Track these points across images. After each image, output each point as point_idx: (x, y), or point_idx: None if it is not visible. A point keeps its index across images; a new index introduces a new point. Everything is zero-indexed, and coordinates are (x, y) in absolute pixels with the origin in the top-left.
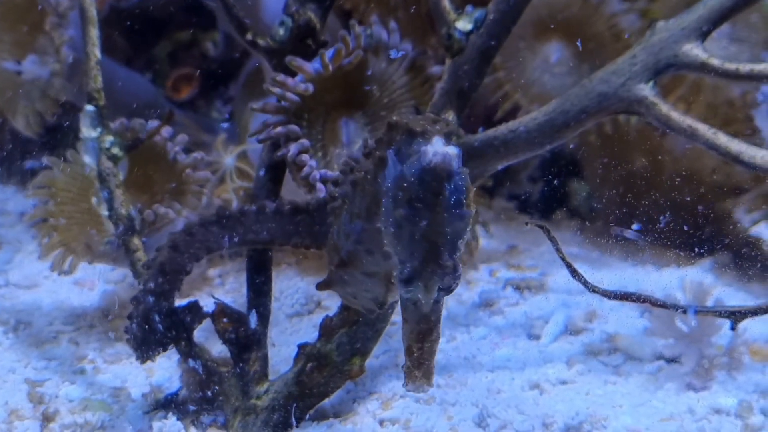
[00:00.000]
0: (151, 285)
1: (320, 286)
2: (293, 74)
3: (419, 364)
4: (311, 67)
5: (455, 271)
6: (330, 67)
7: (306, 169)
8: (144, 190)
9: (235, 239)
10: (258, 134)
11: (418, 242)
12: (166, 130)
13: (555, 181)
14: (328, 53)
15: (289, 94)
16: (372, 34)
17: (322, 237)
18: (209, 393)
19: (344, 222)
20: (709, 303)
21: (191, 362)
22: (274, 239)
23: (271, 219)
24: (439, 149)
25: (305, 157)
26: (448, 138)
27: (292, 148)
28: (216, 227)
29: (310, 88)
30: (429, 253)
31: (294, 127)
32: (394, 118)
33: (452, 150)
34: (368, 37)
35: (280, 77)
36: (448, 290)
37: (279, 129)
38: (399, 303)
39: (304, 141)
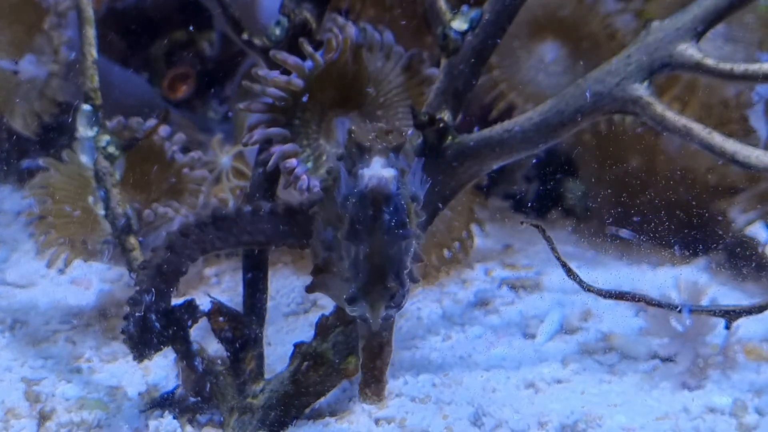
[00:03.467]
0: (148, 286)
1: (307, 289)
2: (288, 73)
3: (369, 383)
4: (294, 60)
5: (402, 287)
6: (318, 59)
7: (291, 178)
8: (141, 189)
9: (231, 240)
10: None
11: (361, 263)
12: (163, 129)
13: (550, 181)
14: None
15: (272, 90)
16: (365, 28)
17: None
18: (205, 392)
19: (319, 228)
20: (704, 302)
21: (196, 360)
22: (270, 240)
23: (267, 220)
24: (375, 173)
25: (291, 162)
26: (396, 152)
27: (273, 157)
28: (212, 228)
29: (298, 81)
30: (373, 274)
31: (276, 130)
32: (352, 127)
33: (389, 173)
34: (361, 31)
35: (262, 72)
36: (398, 306)
37: (258, 132)
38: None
39: (289, 146)
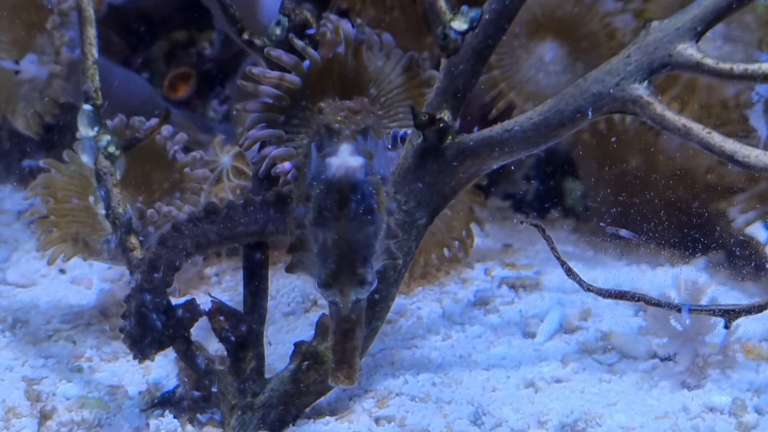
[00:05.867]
0: (142, 283)
1: (287, 269)
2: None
3: (341, 365)
4: (290, 57)
5: (373, 271)
6: (312, 54)
7: (284, 181)
8: (143, 188)
9: (226, 233)
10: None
11: (330, 249)
12: (166, 129)
13: (550, 180)
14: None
15: (264, 88)
16: (361, 24)
17: None
18: (206, 391)
19: (293, 206)
20: (704, 302)
21: (199, 359)
22: (263, 230)
23: (259, 210)
24: (342, 162)
25: (284, 166)
26: (364, 134)
27: (265, 162)
28: (205, 222)
29: (292, 78)
30: (342, 260)
31: (269, 131)
32: (322, 105)
33: (356, 161)
34: (358, 27)
35: (256, 70)
36: (367, 291)
37: (252, 133)
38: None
39: (281, 150)
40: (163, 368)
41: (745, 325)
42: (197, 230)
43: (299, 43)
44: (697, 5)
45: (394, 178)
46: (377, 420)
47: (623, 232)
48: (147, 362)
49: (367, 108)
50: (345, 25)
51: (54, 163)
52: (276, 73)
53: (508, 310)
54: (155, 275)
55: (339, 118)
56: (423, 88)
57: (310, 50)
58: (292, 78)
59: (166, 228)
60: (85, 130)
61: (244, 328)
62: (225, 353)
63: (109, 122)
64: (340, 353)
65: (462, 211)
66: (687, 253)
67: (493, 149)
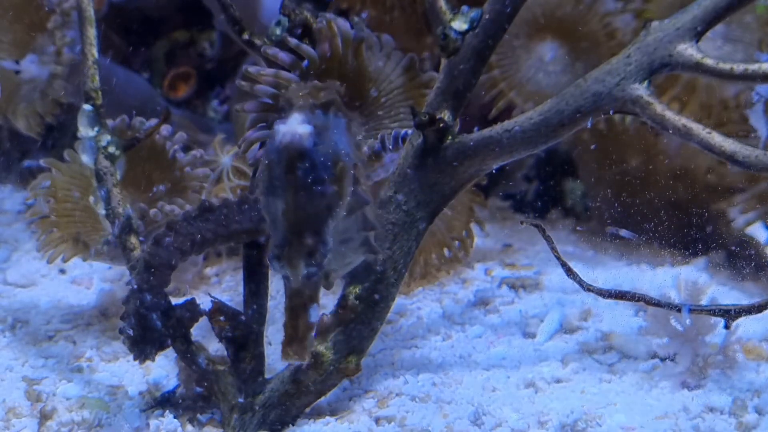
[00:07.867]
0: (140, 283)
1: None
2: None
3: (292, 341)
4: (285, 56)
5: (324, 245)
6: (308, 52)
7: None
8: (143, 188)
9: (221, 231)
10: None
11: (279, 220)
12: (165, 129)
13: (550, 180)
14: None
15: (260, 87)
16: (359, 22)
17: None
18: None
19: None
20: (704, 302)
21: (200, 358)
22: (259, 228)
23: (253, 208)
24: (290, 128)
25: None
26: (324, 108)
27: (260, 168)
28: (200, 221)
29: (288, 75)
30: (290, 231)
31: (266, 132)
32: (293, 85)
33: (304, 129)
34: (355, 25)
35: (253, 69)
36: (319, 266)
37: (249, 134)
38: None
39: None
40: (163, 368)
41: (745, 325)
42: (192, 229)
43: (293, 41)
44: (697, 5)
45: (395, 178)
46: (377, 420)
47: (623, 232)
48: (147, 362)
49: (333, 87)
50: (342, 23)
51: (54, 163)
52: (272, 71)
53: (508, 310)
54: (151, 276)
55: (301, 94)
56: (423, 89)
57: (305, 47)
58: (289, 76)
59: (160, 228)
60: (85, 130)
61: (244, 328)
62: (225, 353)
63: (109, 122)
64: (291, 329)
65: (462, 211)
66: (687, 253)
67: (493, 149)
